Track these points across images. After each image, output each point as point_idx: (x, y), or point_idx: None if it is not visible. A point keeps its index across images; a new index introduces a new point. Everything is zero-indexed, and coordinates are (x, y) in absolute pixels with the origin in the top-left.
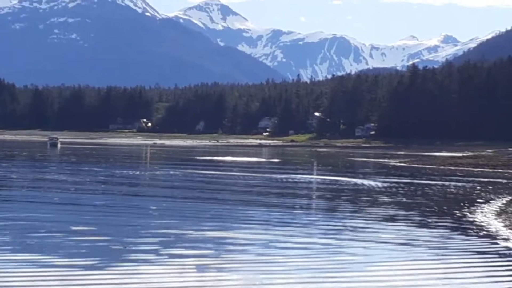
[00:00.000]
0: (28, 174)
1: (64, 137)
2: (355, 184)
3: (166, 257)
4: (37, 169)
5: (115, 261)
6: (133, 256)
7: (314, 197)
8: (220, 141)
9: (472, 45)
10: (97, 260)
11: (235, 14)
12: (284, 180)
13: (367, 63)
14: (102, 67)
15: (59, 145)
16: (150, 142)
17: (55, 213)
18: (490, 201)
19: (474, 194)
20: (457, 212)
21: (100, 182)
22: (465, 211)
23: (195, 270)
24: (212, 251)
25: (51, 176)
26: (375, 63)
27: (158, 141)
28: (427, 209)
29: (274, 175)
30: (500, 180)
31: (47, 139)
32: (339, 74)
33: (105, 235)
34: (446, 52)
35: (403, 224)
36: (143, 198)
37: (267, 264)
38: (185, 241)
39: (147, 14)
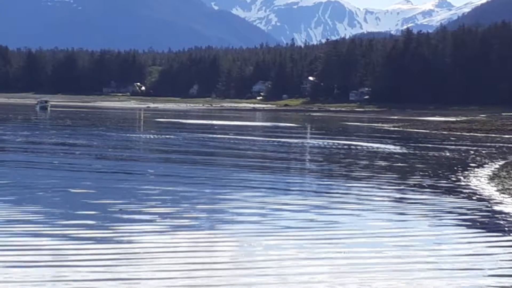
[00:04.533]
0: (23, 137)
1: (57, 101)
2: (348, 146)
3: (161, 220)
4: (29, 133)
5: (109, 224)
6: (128, 221)
7: (308, 159)
8: (214, 105)
9: (466, 9)
10: (93, 222)
11: None
12: (299, 144)
13: (361, 28)
14: (96, 30)
15: (49, 109)
16: (144, 105)
17: (54, 176)
18: (484, 166)
19: (469, 159)
20: (451, 176)
21: (93, 147)
22: (459, 176)
23: (189, 234)
24: (209, 217)
25: (45, 139)
26: (369, 27)
27: (152, 105)
28: (422, 173)
29: (284, 140)
30: (493, 144)
31: (36, 103)
32: (334, 38)
33: (103, 198)
34: (441, 17)
35: (396, 188)
36: (141, 162)
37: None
38: (182, 204)
39: None
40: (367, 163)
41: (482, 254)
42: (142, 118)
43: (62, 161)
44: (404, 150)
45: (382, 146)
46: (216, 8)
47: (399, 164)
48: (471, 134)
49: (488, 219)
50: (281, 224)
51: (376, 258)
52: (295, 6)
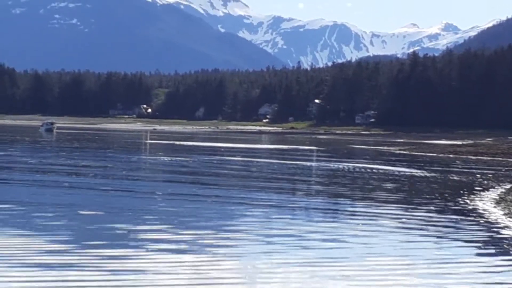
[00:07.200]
0: (32, 159)
1: (63, 122)
2: (354, 169)
3: (166, 244)
4: (37, 156)
5: (115, 245)
6: (134, 242)
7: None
8: (220, 128)
9: (473, 33)
10: (99, 242)
11: (236, 0)
12: (309, 167)
13: (367, 51)
14: (102, 53)
15: (55, 131)
16: (150, 128)
17: (63, 197)
18: (490, 189)
19: (475, 182)
20: (458, 199)
21: (103, 168)
22: (466, 199)
23: (193, 258)
24: (215, 241)
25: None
26: (375, 50)
27: (158, 127)
28: (428, 196)
29: (304, 163)
30: (499, 168)
31: (40, 124)
32: (340, 61)
33: (111, 220)
34: (447, 40)
35: (403, 210)
36: (149, 183)
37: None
38: (188, 227)
39: None
40: (376, 184)
41: (491, 282)
42: (148, 140)
43: (71, 183)
44: (412, 173)
45: (391, 168)
46: (222, 30)
47: (406, 187)
48: (477, 157)
49: (494, 244)
50: (287, 244)
51: (380, 280)
52: (302, 29)
